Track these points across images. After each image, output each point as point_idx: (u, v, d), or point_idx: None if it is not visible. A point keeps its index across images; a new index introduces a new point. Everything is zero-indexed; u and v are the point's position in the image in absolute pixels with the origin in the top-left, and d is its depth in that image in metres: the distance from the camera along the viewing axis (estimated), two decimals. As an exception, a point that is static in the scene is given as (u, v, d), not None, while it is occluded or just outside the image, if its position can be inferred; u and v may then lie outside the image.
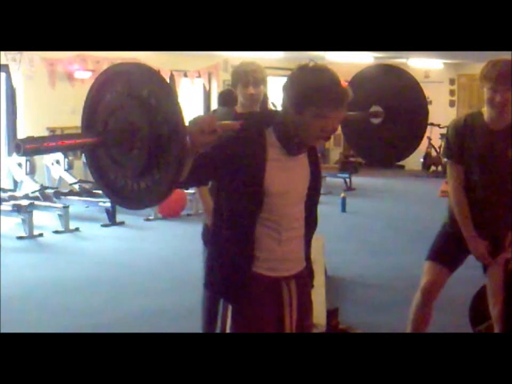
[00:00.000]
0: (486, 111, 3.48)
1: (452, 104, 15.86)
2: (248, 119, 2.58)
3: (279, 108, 2.51)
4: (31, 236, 8.05)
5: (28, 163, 9.49)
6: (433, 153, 14.74)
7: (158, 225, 8.98)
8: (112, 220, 8.84)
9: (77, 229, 8.52)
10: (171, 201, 8.39)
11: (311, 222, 2.62)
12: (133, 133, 2.23)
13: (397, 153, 3.68)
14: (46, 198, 9.32)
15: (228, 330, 2.59)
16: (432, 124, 11.96)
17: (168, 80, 4.48)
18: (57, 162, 10.05)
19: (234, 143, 2.43)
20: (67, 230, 8.39)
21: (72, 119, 8.28)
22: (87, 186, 9.62)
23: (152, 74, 2.24)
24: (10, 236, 8.00)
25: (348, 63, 9.70)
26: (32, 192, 9.32)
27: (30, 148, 2.12)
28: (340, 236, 8.10)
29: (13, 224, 8.38)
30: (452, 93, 15.92)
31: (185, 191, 8.67)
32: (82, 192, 9.61)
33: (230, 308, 2.56)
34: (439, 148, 14.60)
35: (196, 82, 13.01)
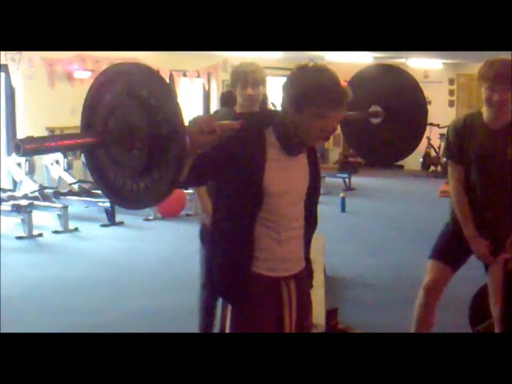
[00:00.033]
0: (485, 110, 3.49)
1: (451, 104, 15.86)
2: (247, 119, 2.57)
3: (279, 108, 2.51)
4: (30, 236, 8.05)
5: (27, 163, 9.49)
6: (433, 153, 14.74)
7: (158, 225, 8.98)
8: (111, 219, 8.84)
9: (76, 229, 8.52)
10: (170, 201, 8.39)
11: (310, 222, 2.62)
12: (132, 133, 2.23)
13: (396, 153, 3.68)
14: (45, 198, 9.32)
15: (227, 330, 2.58)
16: (431, 124, 11.97)
17: (167, 80, 4.48)
18: (57, 162, 10.05)
19: (234, 143, 2.43)
20: (66, 230, 8.39)
21: (71, 119, 8.28)
22: (86, 186, 9.62)
23: (152, 74, 2.24)
24: (10, 235, 8.00)
25: (347, 63, 9.70)
26: (32, 192, 9.31)
27: (29, 148, 2.12)
28: (339, 236, 8.10)
29: (12, 224, 8.38)
30: (451, 93, 15.92)
31: (185, 191, 8.67)
32: (82, 192, 9.61)
33: (229, 307, 2.56)
34: (438, 148, 14.61)
35: (195, 82, 13.01)
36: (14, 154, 8.97)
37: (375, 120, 3.48)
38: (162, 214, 9.24)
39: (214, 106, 13.28)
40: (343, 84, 2.41)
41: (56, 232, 8.34)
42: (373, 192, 12.37)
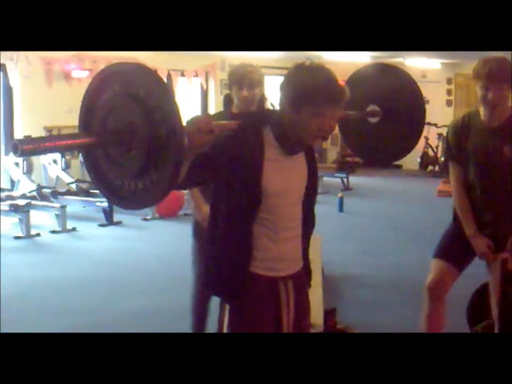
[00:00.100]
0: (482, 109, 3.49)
1: (449, 103, 15.87)
2: (245, 118, 2.57)
3: (278, 108, 2.50)
4: (28, 236, 8.05)
5: (25, 162, 9.48)
6: (431, 153, 14.74)
7: (156, 225, 8.97)
8: (109, 219, 8.84)
9: (74, 229, 8.51)
10: (169, 201, 8.39)
11: (308, 221, 2.62)
12: (130, 133, 2.22)
13: (394, 153, 3.69)
14: (43, 197, 9.31)
15: (225, 329, 2.58)
16: (429, 124, 11.98)
17: (165, 80, 4.48)
18: (55, 161, 10.04)
19: (232, 143, 2.42)
20: (64, 230, 8.39)
21: (69, 118, 8.27)
22: (84, 186, 9.61)
23: (150, 74, 2.23)
24: (8, 235, 7.99)
25: (345, 62, 9.69)
26: (29, 192, 9.30)
27: (27, 148, 2.12)
28: (337, 236, 8.11)
29: (10, 224, 8.37)
30: (449, 92, 15.93)
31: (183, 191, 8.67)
32: (80, 192, 9.60)
33: (227, 307, 2.56)
34: (436, 147, 14.63)
35: (193, 81, 13.00)
36: (11, 154, 8.96)
37: (373, 120, 3.49)
38: (161, 214, 9.24)
39: (212, 105, 13.27)
40: (341, 83, 2.41)
41: (54, 232, 8.34)
42: (371, 192, 12.38)
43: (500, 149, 3.44)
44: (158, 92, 2.19)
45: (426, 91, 3.92)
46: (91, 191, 9.33)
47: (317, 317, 4.28)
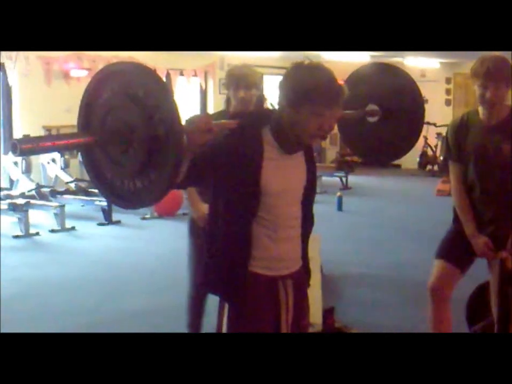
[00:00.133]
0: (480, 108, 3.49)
1: (448, 103, 15.87)
2: (244, 118, 2.57)
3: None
4: (27, 235, 8.05)
5: (24, 162, 9.48)
6: (430, 152, 14.75)
7: (154, 224, 8.97)
8: (108, 218, 8.84)
9: (73, 228, 8.51)
10: (167, 200, 8.37)
11: (307, 221, 2.62)
12: (130, 133, 2.22)
13: (394, 152, 3.68)
14: (42, 196, 9.31)
15: (224, 329, 2.58)
16: (428, 123, 11.97)
17: (164, 79, 4.48)
18: (53, 161, 10.05)
19: (231, 142, 2.42)
20: (63, 229, 8.39)
21: (68, 117, 8.27)
22: (83, 185, 9.61)
23: (148, 73, 2.23)
24: (7, 234, 7.99)
25: (344, 61, 9.70)
26: (28, 191, 9.31)
27: (26, 147, 2.12)
28: (336, 235, 8.11)
29: (9, 223, 8.37)
30: (448, 92, 15.93)
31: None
32: (79, 191, 9.61)
33: (226, 307, 2.56)
34: (435, 147, 14.63)
35: (192, 81, 13.00)
36: (10, 153, 8.97)
37: (372, 119, 3.48)
38: (159, 213, 9.24)
39: (211, 105, 13.28)
40: (340, 82, 2.41)
41: (53, 231, 8.34)
42: (370, 191, 12.38)
43: (498, 147, 3.43)
44: (157, 91, 2.19)
45: (425, 90, 3.92)
46: (90, 190, 9.33)
47: (315, 316, 4.29)
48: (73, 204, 9.27)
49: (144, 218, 9.10)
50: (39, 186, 9.47)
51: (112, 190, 2.38)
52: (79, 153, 6.60)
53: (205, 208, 3.68)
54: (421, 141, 13.17)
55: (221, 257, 2.48)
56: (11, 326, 4.59)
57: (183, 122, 2.22)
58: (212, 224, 2.53)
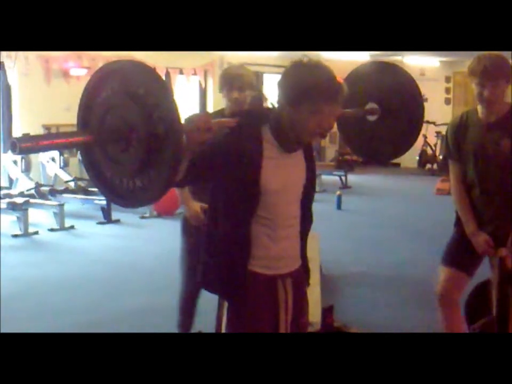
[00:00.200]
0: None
1: (447, 101, 15.88)
2: (243, 117, 2.56)
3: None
4: (26, 234, 8.05)
5: (23, 160, 9.49)
6: (429, 151, 14.76)
7: (154, 223, 8.97)
8: (107, 217, 8.84)
9: (72, 227, 8.51)
10: (167, 199, 8.34)
11: (306, 219, 2.62)
12: (129, 131, 2.22)
13: (393, 151, 3.68)
14: (41, 195, 9.31)
15: (223, 328, 2.58)
16: (427, 122, 11.98)
17: (164, 78, 4.47)
18: (53, 159, 10.04)
19: (231, 141, 2.42)
20: (62, 228, 8.39)
21: (67, 116, 8.27)
22: (82, 184, 9.62)
23: (148, 72, 2.23)
24: (6, 233, 7.98)
25: (343, 60, 9.70)
26: (27, 190, 9.31)
27: (26, 146, 2.12)
28: (336, 234, 8.11)
29: (8, 222, 8.36)
30: (447, 90, 15.94)
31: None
32: (78, 190, 9.61)
33: (225, 306, 2.56)
34: (435, 145, 14.63)
35: (191, 79, 13.00)
36: (10, 152, 8.94)
37: (372, 118, 3.48)
38: (159, 212, 9.23)
39: (211, 103, 13.27)
40: (340, 81, 2.41)
41: (52, 230, 8.34)
42: (369, 190, 12.38)
43: (497, 143, 3.43)
44: (157, 90, 2.18)
45: (424, 89, 3.91)
46: (89, 189, 9.33)
47: (314, 315, 4.29)
48: (72, 202, 9.27)
49: (143, 217, 9.10)
50: (38, 185, 9.47)
51: (111, 189, 2.38)
52: (79, 152, 6.60)
53: (197, 206, 3.69)
54: (420, 139, 13.19)
55: (220, 256, 2.48)
56: (10, 325, 4.58)
57: (183, 121, 2.22)
58: (211, 223, 2.53)
